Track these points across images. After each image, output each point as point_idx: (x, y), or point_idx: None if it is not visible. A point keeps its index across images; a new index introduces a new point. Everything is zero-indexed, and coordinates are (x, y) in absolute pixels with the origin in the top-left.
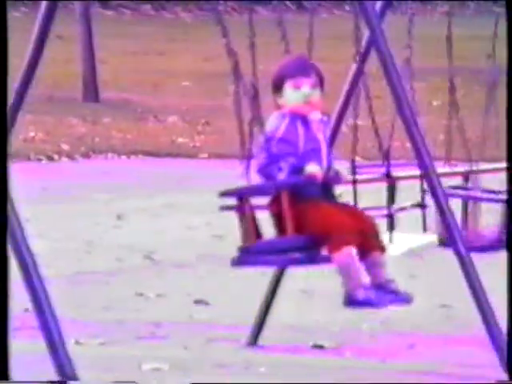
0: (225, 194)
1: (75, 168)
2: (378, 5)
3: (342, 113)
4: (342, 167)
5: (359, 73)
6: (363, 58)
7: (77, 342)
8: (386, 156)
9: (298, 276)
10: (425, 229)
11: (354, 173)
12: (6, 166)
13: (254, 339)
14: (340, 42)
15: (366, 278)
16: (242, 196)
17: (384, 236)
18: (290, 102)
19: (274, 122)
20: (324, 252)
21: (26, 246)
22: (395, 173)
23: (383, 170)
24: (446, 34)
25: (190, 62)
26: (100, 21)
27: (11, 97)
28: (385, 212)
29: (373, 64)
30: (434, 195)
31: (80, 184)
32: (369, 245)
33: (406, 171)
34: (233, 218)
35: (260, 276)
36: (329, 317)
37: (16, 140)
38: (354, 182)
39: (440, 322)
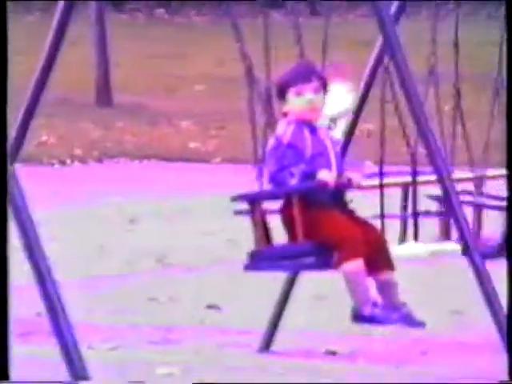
0: (236, 198)
1: (88, 172)
2: (393, 9)
3: (356, 116)
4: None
5: (373, 77)
6: (378, 61)
7: (89, 347)
8: (413, 160)
9: (311, 281)
10: (448, 237)
11: (380, 177)
12: (6, 169)
13: (266, 344)
14: (354, 46)
15: (373, 293)
16: (253, 200)
17: (407, 243)
18: (294, 108)
19: (280, 129)
20: (335, 262)
21: (39, 250)
22: (421, 178)
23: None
24: (460, 38)
25: (204, 65)
26: (114, 24)
27: (25, 100)
28: (408, 215)
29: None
30: (448, 202)
31: (92, 188)
32: (378, 259)
33: (426, 177)
34: (246, 222)
35: (272, 281)
36: (341, 322)
37: (29, 144)
38: (381, 186)
39: (453, 328)
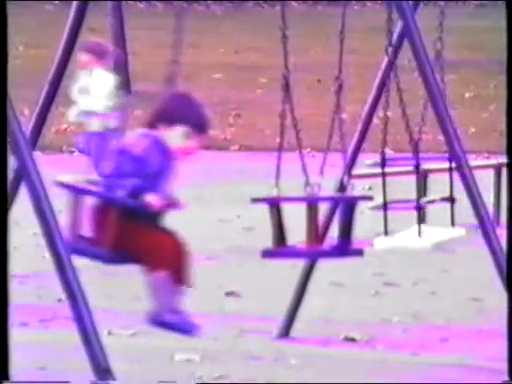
0: (257, 200)
1: None
2: None
3: (374, 105)
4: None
5: (391, 65)
6: (395, 50)
7: (109, 333)
8: (416, 149)
9: (329, 269)
10: (453, 223)
11: (383, 165)
12: (6, 165)
13: (285, 331)
14: (372, 33)
15: (175, 303)
16: (272, 203)
17: (413, 229)
18: (172, 140)
19: (134, 138)
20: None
21: (59, 237)
22: (425, 166)
23: (413, 162)
24: (479, 25)
25: (221, 54)
26: (132, 13)
27: (44, 89)
28: (414, 205)
29: (404, 56)
30: (467, 188)
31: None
32: (181, 275)
33: (436, 164)
34: (263, 210)
35: (291, 268)
36: (360, 310)
37: (48, 132)
38: (384, 174)
39: (472, 316)
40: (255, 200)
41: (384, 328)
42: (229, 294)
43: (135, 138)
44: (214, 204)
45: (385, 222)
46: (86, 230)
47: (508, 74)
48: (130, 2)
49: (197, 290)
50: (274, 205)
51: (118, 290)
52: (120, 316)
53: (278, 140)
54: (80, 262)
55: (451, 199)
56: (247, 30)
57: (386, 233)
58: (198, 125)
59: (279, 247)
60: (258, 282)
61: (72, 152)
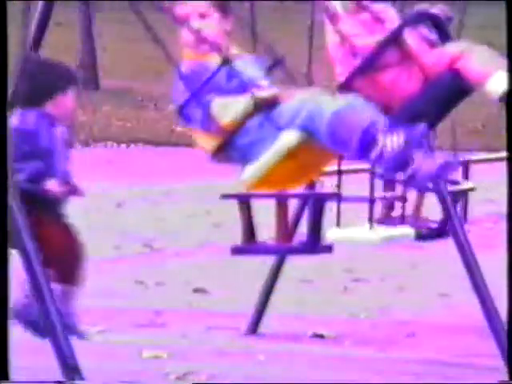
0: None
1: (74, 156)
2: None
3: None
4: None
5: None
6: None
7: None
8: None
9: (298, 265)
10: (402, 221)
11: (338, 163)
12: (6, 160)
13: (253, 327)
14: None
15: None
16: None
17: (364, 224)
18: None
19: (20, 116)
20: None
21: (26, 234)
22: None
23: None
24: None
25: None
26: (99, 7)
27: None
28: (366, 199)
29: None
30: (435, 184)
31: (79, 172)
32: (73, 274)
33: None
34: (232, 206)
35: (260, 264)
36: (328, 306)
37: None
38: (339, 172)
39: (439, 311)
40: (225, 196)
41: (352, 324)
42: (197, 290)
43: (20, 115)
44: (183, 200)
45: (338, 214)
46: None
47: (508, 75)
48: None
49: (165, 286)
50: (244, 201)
51: (86, 286)
52: (87, 313)
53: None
54: None
55: (403, 198)
56: None
57: (338, 224)
58: (72, 79)
59: (249, 243)
60: (226, 279)
61: None
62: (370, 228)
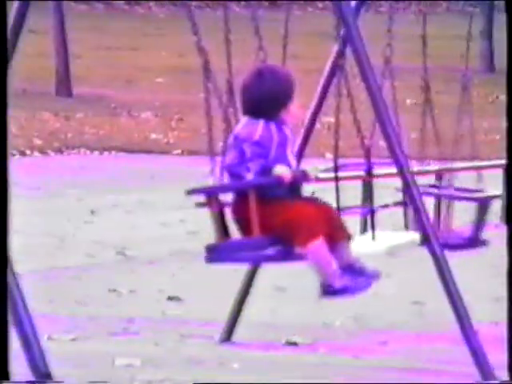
0: (192, 192)
1: (48, 163)
2: (353, 3)
3: (317, 110)
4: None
5: (334, 70)
6: (339, 55)
7: (49, 338)
8: (367, 154)
9: (271, 273)
10: (407, 227)
11: (336, 170)
12: (7, 165)
13: (227, 336)
14: (313, 38)
15: (339, 266)
16: (209, 194)
17: (367, 234)
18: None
19: (248, 125)
20: (296, 247)
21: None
22: (376, 171)
23: (364, 167)
24: (419, 32)
25: (164, 57)
26: (73, 15)
27: None
28: (366, 210)
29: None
30: (409, 193)
31: (52, 179)
32: (337, 236)
33: (388, 169)
34: (206, 214)
35: (233, 273)
36: (302, 313)
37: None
38: (337, 179)
39: (413, 319)
40: (189, 192)
41: (326, 332)
42: (171, 298)
43: (249, 124)
44: (157, 208)
45: None
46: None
47: (508, 75)
48: (71, 2)
49: (138, 295)
50: (212, 195)
51: (59, 294)
52: (60, 321)
53: (221, 144)
54: (20, 267)
55: (404, 203)
56: (190, 33)
57: None
58: (291, 95)
59: (223, 243)
60: (200, 287)
61: (13, 155)
62: (373, 238)
